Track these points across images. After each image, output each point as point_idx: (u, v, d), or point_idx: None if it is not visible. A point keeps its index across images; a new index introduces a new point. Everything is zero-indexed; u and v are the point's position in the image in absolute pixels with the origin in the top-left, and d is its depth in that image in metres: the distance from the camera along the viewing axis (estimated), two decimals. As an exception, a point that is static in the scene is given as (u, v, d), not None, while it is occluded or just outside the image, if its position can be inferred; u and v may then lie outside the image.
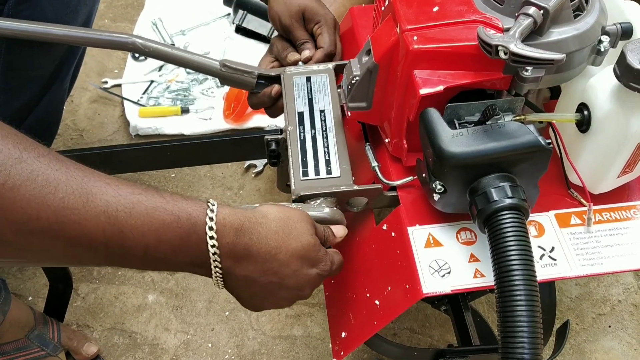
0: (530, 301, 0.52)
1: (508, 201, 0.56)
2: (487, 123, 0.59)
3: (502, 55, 0.55)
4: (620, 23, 0.62)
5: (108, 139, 1.31)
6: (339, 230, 0.67)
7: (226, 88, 1.37)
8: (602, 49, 0.61)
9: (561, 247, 0.64)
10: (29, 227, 0.44)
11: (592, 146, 0.63)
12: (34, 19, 0.85)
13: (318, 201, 0.68)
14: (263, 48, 1.47)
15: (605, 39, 0.61)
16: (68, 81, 1.01)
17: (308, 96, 0.79)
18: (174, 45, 1.48)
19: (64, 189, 0.45)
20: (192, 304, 1.09)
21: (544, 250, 0.64)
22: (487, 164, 0.58)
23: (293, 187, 0.70)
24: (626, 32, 0.62)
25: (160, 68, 1.43)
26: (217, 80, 0.90)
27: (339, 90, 0.82)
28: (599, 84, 0.60)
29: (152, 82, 1.41)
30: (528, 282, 0.53)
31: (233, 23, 1.50)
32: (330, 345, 0.76)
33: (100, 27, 1.55)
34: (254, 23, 1.47)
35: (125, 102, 1.37)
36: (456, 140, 0.57)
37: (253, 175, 1.26)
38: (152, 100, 1.37)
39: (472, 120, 0.61)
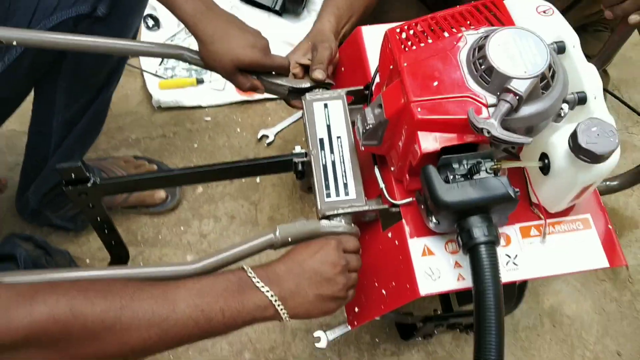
0: (498, 316, 0.74)
1: (484, 239, 0.77)
2: (472, 178, 0.78)
3: (485, 134, 0.73)
4: (577, 92, 0.79)
5: (134, 110, 1.46)
6: None
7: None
8: (562, 114, 0.79)
9: (523, 254, 0.86)
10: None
11: (550, 185, 0.82)
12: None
13: (338, 218, 0.89)
14: (268, 19, 1.58)
15: (565, 106, 0.79)
16: (115, 86, 1.16)
17: (326, 122, 0.96)
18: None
19: (153, 311, 0.66)
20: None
21: (510, 257, 0.86)
22: (471, 208, 0.78)
23: (319, 207, 0.90)
24: (581, 100, 0.79)
25: (173, 38, 1.54)
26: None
27: (349, 107, 0.99)
28: (558, 143, 0.79)
29: (166, 51, 1.53)
30: (497, 300, 0.74)
31: (238, -9, 1.59)
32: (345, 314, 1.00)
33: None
34: (258, -8, 1.56)
35: (144, 74, 1.49)
36: (449, 192, 0.77)
37: (266, 145, 1.44)
38: (169, 72, 1.50)
39: (460, 173, 0.79)
